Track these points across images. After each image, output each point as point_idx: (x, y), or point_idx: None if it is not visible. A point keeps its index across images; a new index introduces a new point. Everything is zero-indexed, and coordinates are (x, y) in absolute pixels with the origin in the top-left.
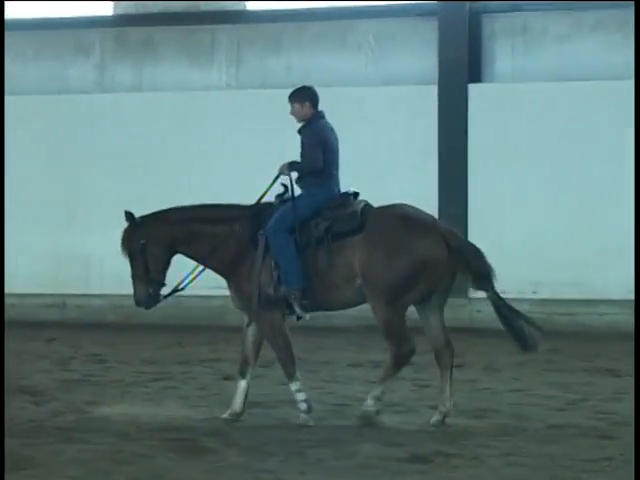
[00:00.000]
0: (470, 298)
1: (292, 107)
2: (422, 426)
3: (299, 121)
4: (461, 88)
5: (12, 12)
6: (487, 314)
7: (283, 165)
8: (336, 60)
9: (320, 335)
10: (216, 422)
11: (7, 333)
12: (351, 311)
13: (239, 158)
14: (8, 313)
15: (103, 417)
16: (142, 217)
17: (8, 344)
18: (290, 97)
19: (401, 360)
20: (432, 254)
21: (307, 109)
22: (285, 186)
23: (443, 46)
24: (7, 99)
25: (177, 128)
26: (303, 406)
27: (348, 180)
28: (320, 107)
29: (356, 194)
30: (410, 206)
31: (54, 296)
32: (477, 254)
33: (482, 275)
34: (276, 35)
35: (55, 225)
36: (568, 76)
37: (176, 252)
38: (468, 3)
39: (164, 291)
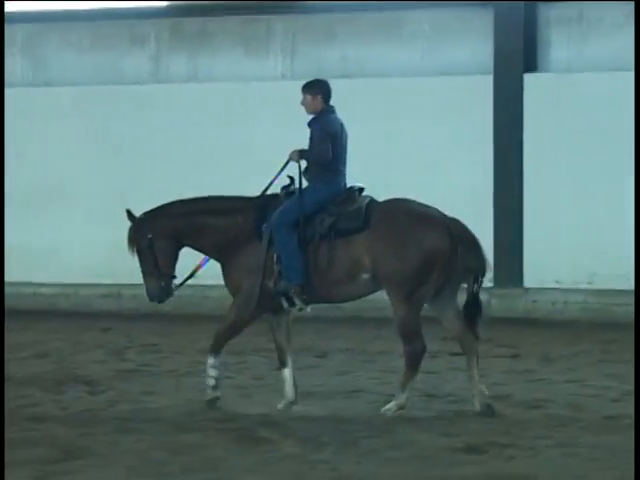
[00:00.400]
0: (526, 288)
1: (304, 98)
2: (477, 416)
3: (308, 113)
4: (517, 78)
5: (68, 3)
6: (542, 304)
7: (294, 151)
8: (391, 50)
9: (376, 326)
10: (271, 412)
11: (62, 323)
12: None
13: (295, 147)
14: (64, 303)
15: (158, 407)
16: (145, 213)
17: (65, 333)
18: (303, 88)
19: (416, 359)
20: (441, 246)
21: (318, 102)
22: (292, 178)
23: (499, 36)
24: (63, 90)
25: (232, 118)
26: (211, 382)
27: (402, 171)
28: (374, 97)
29: (361, 189)
30: (412, 200)
31: (109, 286)
32: (476, 246)
33: (474, 267)
34: (331, 25)
35: (110, 215)
36: (623, 66)
37: (183, 245)
38: None
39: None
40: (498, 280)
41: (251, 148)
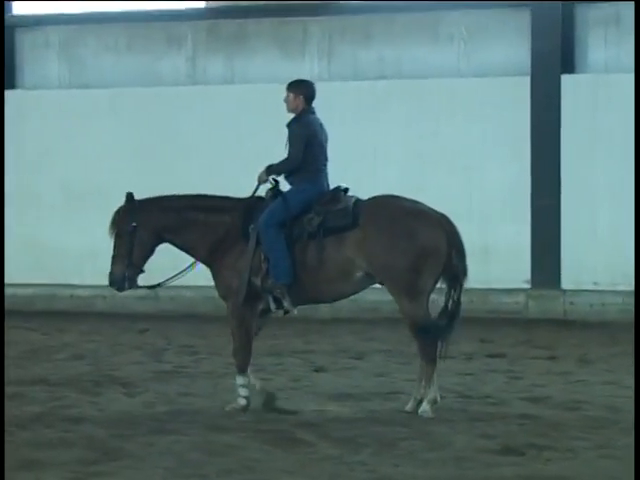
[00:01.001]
0: (564, 290)
1: (287, 95)
2: (514, 418)
3: (289, 111)
4: (554, 79)
5: (106, 4)
6: (580, 306)
7: (261, 172)
8: (428, 52)
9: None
10: (309, 414)
11: (99, 325)
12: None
13: (331, 149)
14: (101, 305)
15: (195, 409)
16: (139, 200)
17: (102, 335)
18: (288, 86)
19: (430, 351)
20: (434, 238)
21: (299, 102)
22: (276, 181)
23: (536, 37)
24: (100, 92)
25: (269, 120)
26: (242, 402)
27: (439, 172)
28: (411, 98)
29: (346, 189)
30: (400, 196)
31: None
32: (461, 246)
33: (457, 268)
34: (367, 27)
35: None
36: None
37: (164, 241)
38: None
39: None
40: (535, 282)
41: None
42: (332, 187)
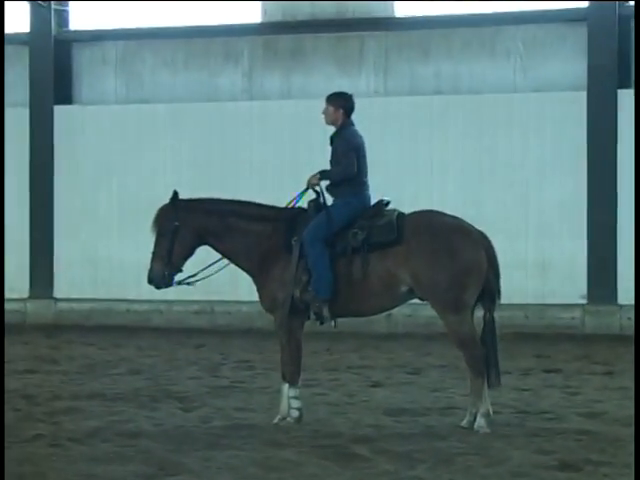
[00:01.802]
0: (620, 305)
1: (326, 108)
2: (572, 434)
3: (327, 123)
4: (611, 94)
5: (163, 20)
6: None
7: (312, 176)
8: (485, 67)
9: None
10: (365, 429)
11: (155, 340)
12: (499, 319)
13: (388, 164)
14: (157, 320)
15: (252, 424)
16: (184, 200)
17: (158, 350)
18: (327, 98)
19: (477, 364)
20: (477, 254)
21: (339, 115)
22: (318, 193)
23: (592, 51)
24: (157, 107)
25: (325, 135)
26: (295, 414)
27: (496, 186)
28: (468, 114)
29: (387, 203)
30: (441, 212)
31: (202, 302)
32: (497, 264)
33: (492, 287)
34: (424, 42)
35: None
36: None
37: (205, 243)
38: (617, 4)
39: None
40: (592, 297)
41: None
42: (374, 200)
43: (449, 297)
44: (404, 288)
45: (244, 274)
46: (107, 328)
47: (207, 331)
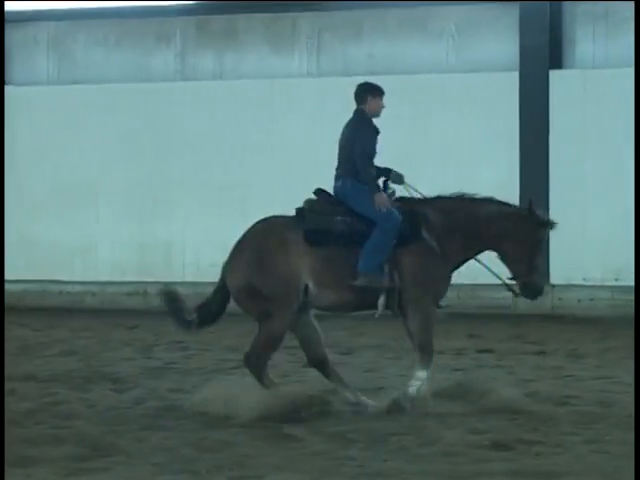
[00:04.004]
0: (553, 285)
1: (382, 100)
2: (505, 413)
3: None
4: (542, 74)
5: (96, 0)
6: (569, 301)
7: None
8: (418, 47)
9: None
10: (298, 410)
11: (89, 321)
12: None
13: (321, 145)
14: (90, 301)
15: (186, 405)
16: None
17: (92, 331)
18: (382, 91)
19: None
20: None
21: None
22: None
23: (524, 32)
24: (90, 88)
25: (258, 116)
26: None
27: (429, 167)
28: (401, 94)
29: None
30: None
31: (136, 284)
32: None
33: None
34: (357, 22)
35: (137, 213)
36: None
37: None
38: None
39: None
40: None
41: (277, 145)
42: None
43: None
44: None
45: (177, 256)
46: (41, 310)
47: (141, 312)
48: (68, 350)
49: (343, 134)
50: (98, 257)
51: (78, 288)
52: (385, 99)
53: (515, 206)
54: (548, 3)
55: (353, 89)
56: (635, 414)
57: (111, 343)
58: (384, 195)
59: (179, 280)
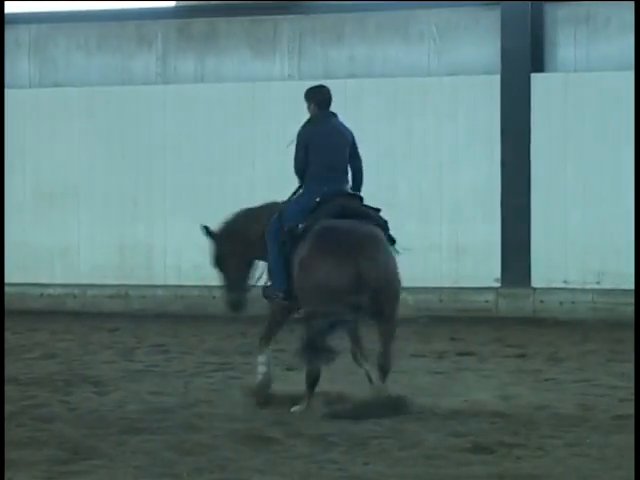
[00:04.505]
0: (534, 288)
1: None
2: (485, 416)
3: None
4: (524, 77)
5: (76, 3)
6: (550, 304)
7: None
8: (398, 50)
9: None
10: (280, 413)
11: (70, 324)
12: (414, 302)
13: None
14: (71, 304)
15: (167, 408)
16: None
17: (73, 334)
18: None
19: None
20: None
21: (312, 109)
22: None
23: (506, 35)
24: (71, 91)
25: (239, 119)
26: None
27: (410, 171)
28: (382, 97)
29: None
30: None
31: (117, 286)
32: None
33: None
34: (338, 26)
35: (118, 216)
36: (631, 65)
37: None
38: None
39: None
40: (505, 280)
41: (258, 148)
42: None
43: None
44: None
45: (158, 259)
46: (21, 312)
47: (121, 315)
48: (49, 353)
49: (335, 136)
50: (79, 260)
51: (59, 291)
52: (366, 102)
53: None
54: (529, 4)
55: (333, 92)
56: (635, 414)
57: (92, 346)
58: None
59: (160, 283)
